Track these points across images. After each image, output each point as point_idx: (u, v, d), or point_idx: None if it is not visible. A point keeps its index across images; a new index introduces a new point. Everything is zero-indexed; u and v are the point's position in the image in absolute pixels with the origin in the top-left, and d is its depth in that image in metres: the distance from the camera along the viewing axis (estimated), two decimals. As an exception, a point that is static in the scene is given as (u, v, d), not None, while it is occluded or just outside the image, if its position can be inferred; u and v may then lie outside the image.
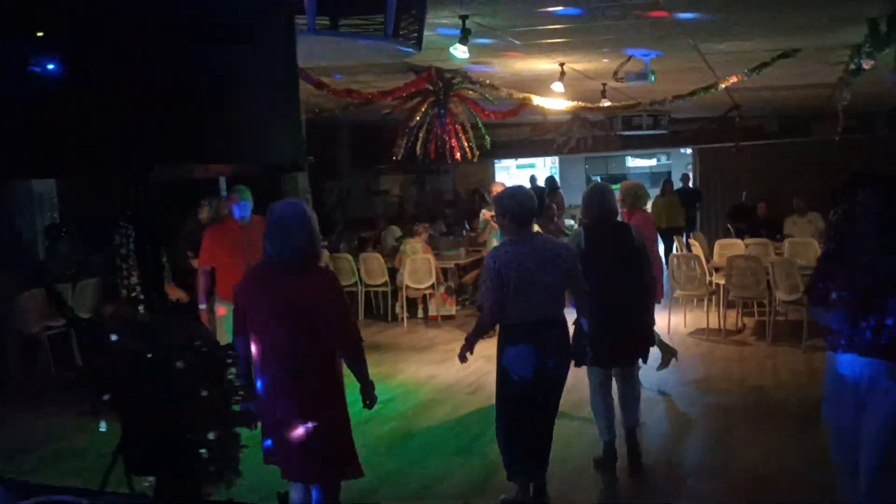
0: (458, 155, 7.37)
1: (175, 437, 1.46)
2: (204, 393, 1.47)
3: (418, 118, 7.23)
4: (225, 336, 5.56)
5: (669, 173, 25.54)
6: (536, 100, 7.36)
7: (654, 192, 21.26)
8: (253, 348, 3.17)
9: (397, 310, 9.79)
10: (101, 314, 8.26)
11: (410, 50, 4.12)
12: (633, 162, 26.13)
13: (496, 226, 6.96)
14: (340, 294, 3.26)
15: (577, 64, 7.01)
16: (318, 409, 3.11)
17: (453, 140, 7.34)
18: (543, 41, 6.09)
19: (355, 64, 6.38)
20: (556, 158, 21.33)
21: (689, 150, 20.75)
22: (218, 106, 1.44)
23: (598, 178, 26.71)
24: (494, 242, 7.10)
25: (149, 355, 1.48)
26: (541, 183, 15.16)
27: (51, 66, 1.33)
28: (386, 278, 9.81)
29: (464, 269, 10.50)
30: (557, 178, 21.18)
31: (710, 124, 12.96)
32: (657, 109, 11.47)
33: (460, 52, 5.03)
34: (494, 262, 3.65)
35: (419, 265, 9.52)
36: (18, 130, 1.40)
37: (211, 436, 1.48)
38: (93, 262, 9.19)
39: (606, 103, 8.24)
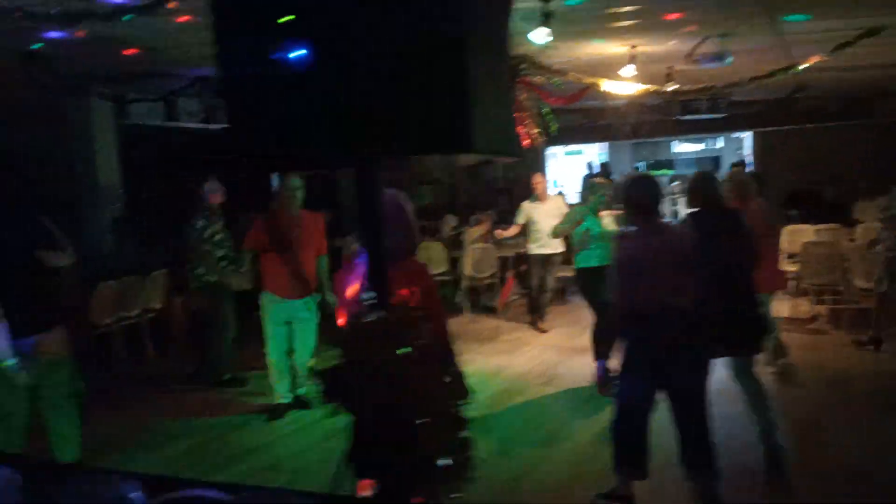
0: (526, 142, 7.27)
1: (406, 438, 1.43)
2: (432, 390, 1.43)
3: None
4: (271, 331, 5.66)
5: (718, 158, 25.10)
6: (605, 84, 7.22)
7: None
8: None
9: (458, 299, 9.74)
10: (172, 305, 8.40)
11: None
12: (680, 147, 25.66)
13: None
14: (428, 289, 3.19)
15: (648, 47, 6.85)
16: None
17: (521, 127, 7.24)
18: (616, 24, 5.97)
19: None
20: (606, 145, 21.06)
21: (742, 134, 20.38)
22: (456, 92, 1.39)
23: (645, 165, 26.37)
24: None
25: (379, 354, 1.44)
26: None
27: (293, 55, 1.30)
28: (447, 267, 9.76)
29: (524, 258, 10.39)
30: (606, 160, 20.95)
31: (769, 106, 12.62)
32: (718, 92, 11.20)
33: (541, 36, 4.91)
34: (622, 251, 3.62)
35: (481, 254, 9.46)
36: (261, 118, 1.38)
37: (444, 436, 1.45)
38: (159, 253, 9.35)
39: (673, 87, 8.05)
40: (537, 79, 7.28)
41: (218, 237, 6.55)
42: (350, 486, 1.61)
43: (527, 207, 8.01)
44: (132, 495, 2.30)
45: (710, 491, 3.56)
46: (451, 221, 11.66)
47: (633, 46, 6.85)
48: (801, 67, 6.48)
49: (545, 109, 7.52)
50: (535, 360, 7.21)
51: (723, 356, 4.18)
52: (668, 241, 3.59)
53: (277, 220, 5.65)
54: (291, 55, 1.30)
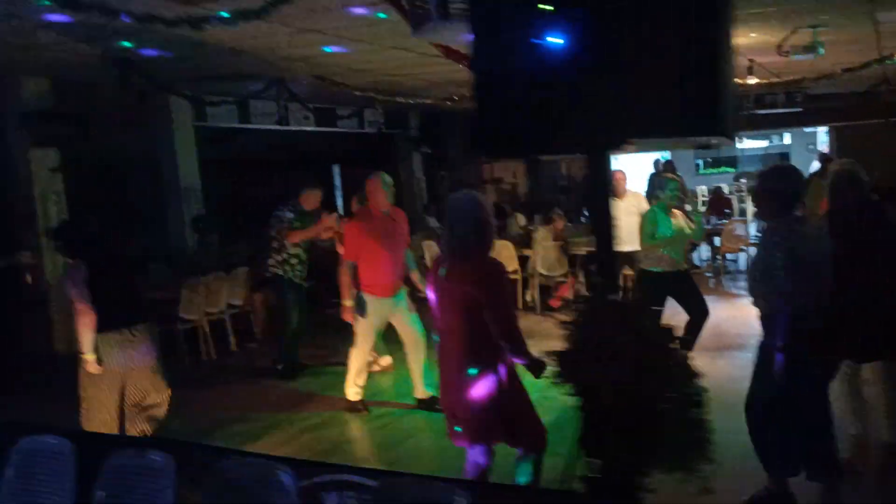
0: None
1: (648, 417, 1.44)
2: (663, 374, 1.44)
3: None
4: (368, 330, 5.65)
5: (786, 154, 24.43)
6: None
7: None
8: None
9: (527, 297, 9.72)
10: (252, 300, 8.61)
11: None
12: (745, 143, 25.09)
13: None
14: (498, 287, 3.30)
15: (750, 38, 6.72)
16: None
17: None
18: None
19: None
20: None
21: (815, 129, 19.80)
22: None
23: (707, 161, 25.80)
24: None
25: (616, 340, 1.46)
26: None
27: (555, 40, 1.33)
28: (517, 265, 9.73)
29: (592, 256, 10.30)
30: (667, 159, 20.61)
31: (848, 100, 12.23)
32: (796, 86, 10.93)
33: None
34: (780, 249, 3.33)
35: (551, 253, 9.42)
36: (519, 106, 1.42)
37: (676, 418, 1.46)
38: (240, 251, 9.59)
39: (753, 80, 7.87)
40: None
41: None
42: (582, 468, 1.62)
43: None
44: (283, 478, 2.39)
45: (835, 490, 3.47)
46: (520, 220, 11.63)
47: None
48: (897, 58, 6.28)
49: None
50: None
51: (866, 360, 4.03)
52: (811, 237, 3.42)
53: (371, 220, 5.63)
54: (549, 42, 1.33)
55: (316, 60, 7.54)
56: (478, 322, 3.23)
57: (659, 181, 6.48)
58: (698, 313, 5.97)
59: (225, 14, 3.70)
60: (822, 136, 21.00)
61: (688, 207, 7.96)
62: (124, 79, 7.12)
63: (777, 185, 3.46)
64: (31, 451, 2.91)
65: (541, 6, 1.35)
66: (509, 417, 3.34)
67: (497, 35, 1.43)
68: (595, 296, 1.55)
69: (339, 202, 17.03)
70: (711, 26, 1.38)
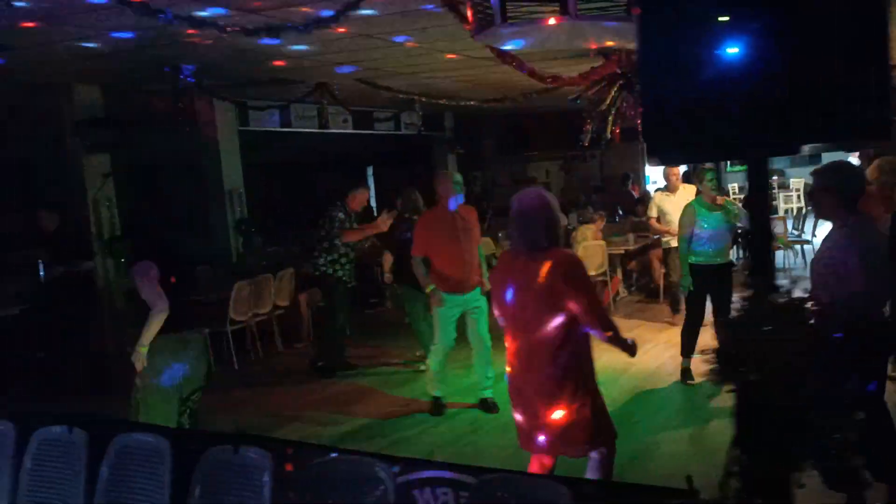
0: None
1: (809, 418, 1.50)
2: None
3: (608, 102, 7.15)
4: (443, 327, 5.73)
5: (817, 156, 24.10)
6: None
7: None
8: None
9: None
10: (298, 302, 8.75)
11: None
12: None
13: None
14: (583, 276, 3.30)
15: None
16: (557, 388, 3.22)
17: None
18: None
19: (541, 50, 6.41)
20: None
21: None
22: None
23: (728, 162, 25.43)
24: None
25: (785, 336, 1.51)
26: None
27: (728, 48, 1.40)
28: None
29: (630, 255, 10.34)
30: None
31: None
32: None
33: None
34: (859, 249, 3.27)
35: (592, 252, 9.44)
36: (688, 112, 1.49)
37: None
38: (285, 253, 9.75)
39: None
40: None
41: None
42: (740, 469, 1.67)
43: (658, 199, 7.99)
44: (381, 474, 2.47)
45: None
46: (562, 220, 11.65)
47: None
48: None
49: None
50: (659, 359, 7.15)
51: None
52: (880, 237, 3.39)
53: (440, 216, 5.70)
54: (722, 48, 1.40)
55: (362, 64, 7.66)
56: (564, 317, 3.21)
57: (696, 173, 6.42)
58: (724, 313, 5.95)
59: (300, 25, 3.81)
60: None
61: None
62: (176, 84, 7.30)
63: (839, 183, 3.38)
64: (126, 449, 3.03)
65: (715, 15, 1.41)
66: (596, 418, 3.31)
67: (666, 42, 1.49)
68: (755, 296, 1.59)
69: (374, 203, 17.27)
70: (882, 33, 1.43)
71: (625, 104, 7.21)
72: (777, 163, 24.17)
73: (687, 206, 6.25)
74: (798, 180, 18.57)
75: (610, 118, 7.35)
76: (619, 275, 9.93)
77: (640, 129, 7.31)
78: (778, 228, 11.17)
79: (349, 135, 12.50)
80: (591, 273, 9.47)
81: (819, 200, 3.49)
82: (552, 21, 3.91)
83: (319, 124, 11.60)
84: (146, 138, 8.65)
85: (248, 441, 2.71)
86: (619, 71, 7.11)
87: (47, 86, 7.87)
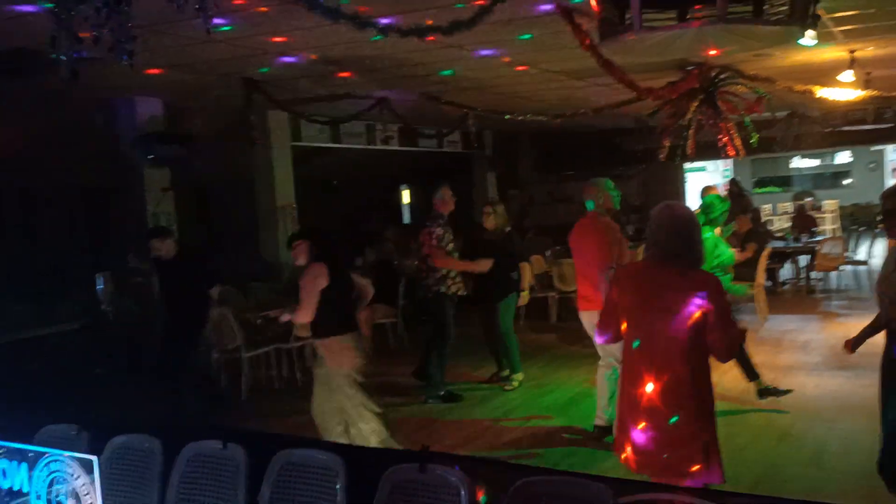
0: (731, 151, 7.12)
1: None
2: None
3: (689, 116, 7.04)
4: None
5: (846, 173, 24.03)
6: (821, 91, 6.98)
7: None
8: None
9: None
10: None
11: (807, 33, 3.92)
12: (799, 163, 24.81)
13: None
14: (723, 298, 3.11)
15: (870, 51, 6.62)
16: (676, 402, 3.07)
17: (726, 137, 7.10)
18: (841, 28, 5.77)
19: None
20: (731, 161, 20.51)
21: (883, 147, 19.47)
22: None
23: (755, 181, 25.32)
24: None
25: None
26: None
27: None
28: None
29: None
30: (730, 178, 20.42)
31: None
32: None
33: (809, 38, 4.77)
34: None
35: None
36: None
37: None
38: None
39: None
40: (739, 88, 7.12)
41: (451, 246, 6.60)
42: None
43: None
44: (601, 495, 2.29)
45: None
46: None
47: (852, 51, 6.63)
48: None
49: (746, 120, 7.35)
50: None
51: None
52: None
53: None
54: None
55: (430, 78, 7.56)
56: (699, 338, 3.09)
57: (704, 203, 5.86)
58: None
59: (444, 26, 3.70)
60: (889, 155, 20.70)
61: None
62: (248, 98, 7.20)
63: None
64: (290, 466, 2.85)
65: None
66: (713, 445, 3.15)
67: None
68: None
69: (406, 219, 17.20)
70: None
71: (704, 118, 7.10)
72: (801, 184, 24.17)
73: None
74: (832, 202, 18.46)
75: (690, 132, 7.23)
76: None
77: (720, 142, 7.26)
78: (835, 249, 11.00)
79: (391, 151, 12.44)
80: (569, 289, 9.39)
81: (891, 222, 3.56)
82: (695, 25, 3.81)
83: (367, 140, 11.56)
84: (203, 153, 8.55)
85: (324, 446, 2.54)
86: (698, 85, 7.01)
87: (107, 100, 7.78)
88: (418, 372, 7.03)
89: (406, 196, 17.77)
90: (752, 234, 9.98)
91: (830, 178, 24.75)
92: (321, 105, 8.98)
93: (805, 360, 7.31)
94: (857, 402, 5.92)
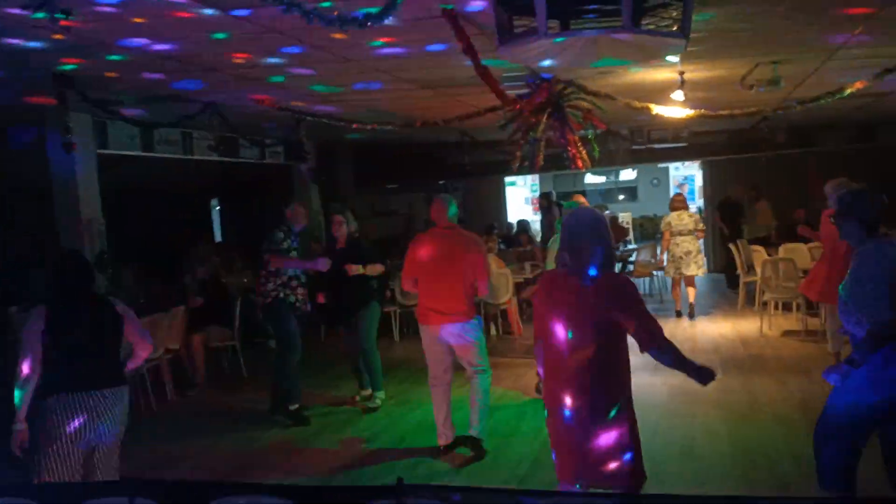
0: (580, 164, 7.35)
1: None
2: None
3: (541, 129, 7.17)
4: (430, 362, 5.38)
5: (633, 189, 26.40)
6: (657, 109, 7.42)
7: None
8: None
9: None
10: (190, 342, 7.77)
11: (676, 43, 4.02)
12: (590, 178, 26.92)
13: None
14: (637, 297, 3.20)
15: (697, 73, 7.14)
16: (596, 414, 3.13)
17: (573, 150, 7.32)
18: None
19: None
20: (537, 176, 21.65)
21: (665, 165, 21.52)
22: None
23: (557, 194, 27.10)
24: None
25: None
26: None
27: None
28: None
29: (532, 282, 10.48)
30: (538, 193, 21.57)
31: (721, 136, 13.45)
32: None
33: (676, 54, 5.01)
34: (883, 269, 3.40)
35: (497, 280, 9.39)
36: None
37: None
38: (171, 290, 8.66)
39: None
40: (583, 104, 7.38)
41: (293, 253, 6.36)
42: None
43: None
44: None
45: None
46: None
47: (682, 73, 7.12)
48: (847, 92, 6.95)
49: (590, 134, 7.64)
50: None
51: None
52: None
53: (428, 241, 5.39)
54: None
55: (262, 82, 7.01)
56: (612, 340, 3.15)
57: (565, 208, 6.78)
58: None
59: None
60: (671, 172, 22.94)
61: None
62: (62, 96, 6.23)
63: (860, 209, 3.55)
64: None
65: None
66: (634, 450, 3.21)
67: None
68: None
69: (219, 236, 16.09)
70: None
71: (552, 131, 7.26)
72: (593, 198, 26.14)
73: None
74: (627, 214, 20.06)
75: (540, 144, 7.36)
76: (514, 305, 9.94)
77: (569, 155, 7.47)
78: (648, 256, 11.87)
79: (202, 162, 11.56)
80: (498, 302, 9.42)
81: (841, 224, 3.65)
82: (616, 35, 3.79)
83: (184, 149, 10.62)
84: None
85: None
86: (545, 99, 7.16)
87: None
88: (273, 407, 6.47)
89: (218, 210, 16.66)
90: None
91: (618, 193, 27.17)
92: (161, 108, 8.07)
93: (646, 360, 7.70)
94: (704, 395, 6.32)
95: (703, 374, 3.22)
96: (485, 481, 4.82)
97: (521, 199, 22.01)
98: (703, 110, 7.21)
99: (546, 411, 3.34)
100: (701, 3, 4.43)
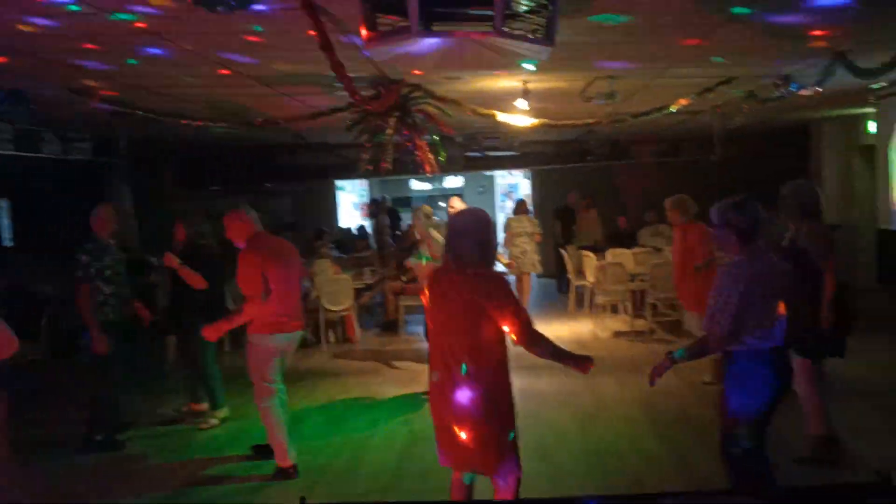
0: (428, 169, 7.30)
1: None
2: None
3: (390, 132, 7.04)
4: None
5: (461, 195, 26.99)
6: (501, 116, 7.53)
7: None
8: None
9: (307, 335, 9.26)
10: None
11: (543, 49, 4.05)
12: (417, 185, 27.25)
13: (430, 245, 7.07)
14: (509, 294, 3.30)
15: (540, 83, 7.34)
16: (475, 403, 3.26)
17: (421, 154, 7.27)
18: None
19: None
20: (366, 181, 21.53)
21: (496, 173, 22.22)
22: None
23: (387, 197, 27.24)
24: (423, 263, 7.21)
25: None
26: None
27: None
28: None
29: (364, 290, 10.28)
30: (367, 198, 21.47)
31: (549, 146, 14.11)
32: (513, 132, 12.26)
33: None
34: (738, 283, 3.39)
35: (336, 286, 9.13)
36: None
37: None
38: None
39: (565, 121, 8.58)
40: (430, 108, 7.35)
41: (108, 272, 5.67)
42: None
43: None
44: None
45: None
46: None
47: (525, 82, 7.29)
48: (673, 108, 7.46)
49: (436, 138, 7.62)
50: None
51: None
52: (775, 272, 3.55)
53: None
54: None
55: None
56: (490, 335, 3.27)
57: (418, 212, 7.31)
58: None
59: None
60: (497, 180, 23.72)
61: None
62: None
63: (734, 217, 3.51)
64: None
65: None
66: (507, 441, 3.37)
67: None
68: None
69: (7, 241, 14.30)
70: None
71: (400, 135, 7.16)
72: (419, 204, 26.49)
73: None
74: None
75: (388, 147, 7.22)
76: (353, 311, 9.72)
77: (417, 159, 7.40)
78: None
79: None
80: (338, 308, 9.15)
81: (718, 234, 3.63)
82: (487, 39, 3.72)
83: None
84: None
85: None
86: (396, 101, 7.05)
87: None
88: (88, 432, 5.77)
89: (6, 213, 14.84)
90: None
91: (439, 199, 27.75)
92: None
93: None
94: (551, 396, 6.52)
95: (581, 362, 3.36)
96: (344, 495, 4.60)
97: (348, 204, 21.78)
98: (546, 119, 7.44)
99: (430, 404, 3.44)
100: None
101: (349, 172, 14.41)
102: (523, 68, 5.31)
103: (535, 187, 15.08)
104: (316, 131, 11.26)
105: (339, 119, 7.65)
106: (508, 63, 4.86)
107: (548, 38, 4.04)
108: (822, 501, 2.21)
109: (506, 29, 3.83)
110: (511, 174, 20.93)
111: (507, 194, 21.96)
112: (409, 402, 6.63)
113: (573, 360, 3.37)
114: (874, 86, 8.56)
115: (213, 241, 6.46)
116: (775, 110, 9.29)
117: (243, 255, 4.87)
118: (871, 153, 10.93)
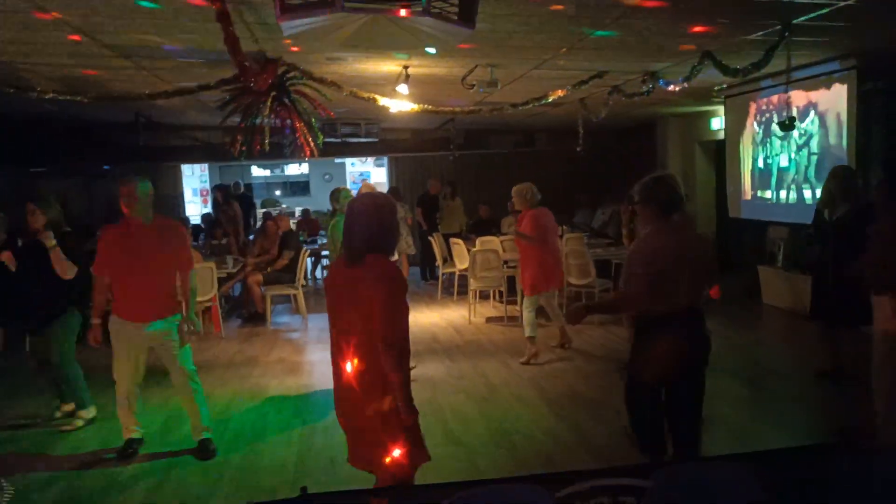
0: (308, 152, 7.03)
1: None
2: None
3: (267, 112, 6.70)
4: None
5: (307, 183, 26.39)
6: (383, 101, 7.39)
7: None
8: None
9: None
10: None
11: (465, 30, 4.02)
12: (257, 171, 26.30)
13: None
14: (390, 293, 3.01)
15: (421, 68, 7.31)
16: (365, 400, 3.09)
17: (301, 136, 6.99)
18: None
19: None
20: (206, 166, 20.45)
21: (343, 161, 21.88)
22: None
23: (240, 182, 26.13)
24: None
25: None
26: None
27: None
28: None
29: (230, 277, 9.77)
30: (208, 184, 20.40)
31: (407, 134, 14.13)
32: (372, 119, 12.22)
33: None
34: (646, 251, 3.66)
35: (201, 275, 8.57)
36: None
37: None
38: None
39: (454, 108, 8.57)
40: (307, 89, 7.09)
41: None
42: None
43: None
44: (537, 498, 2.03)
45: None
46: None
47: (406, 67, 7.22)
48: (550, 98, 7.69)
49: (314, 121, 7.36)
50: (322, 376, 7.01)
51: None
52: (689, 243, 3.76)
53: (125, 232, 4.78)
54: None
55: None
56: (358, 327, 3.07)
57: (336, 193, 6.86)
58: None
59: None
60: (348, 168, 23.37)
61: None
62: None
63: (655, 191, 3.75)
64: None
65: None
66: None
67: None
68: None
69: None
70: None
71: (276, 116, 6.84)
72: (260, 193, 25.64)
73: (338, 222, 6.19)
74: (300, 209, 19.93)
75: (266, 130, 6.87)
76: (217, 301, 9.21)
77: (298, 142, 7.10)
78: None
79: None
80: (202, 298, 8.62)
81: (640, 211, 3.85)
82: (403, 12, 3.60)
83: None
84: None
85: None
86: (273, 81, 6.73)
87: None
88: None
89: None
90: (287, 239, 10.11)
91: (287, 187, 27.00)
92: None
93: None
94: (442, 381, 6.54)
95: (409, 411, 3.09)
96: (252, 488, 4.35)
97: (188, 191, 20.59)
98: (427, 105, 7.41)
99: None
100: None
101: (198, 155, 13.61)
102: (424, 52, 5.24)
103: (391, 175, 15.03)
104: (165, 111, 10.51)
105: (193, 99, 7.16)
106: (416, 44, 4.76)
107: (468, 20, 4.01)
108: (792, 463, 2.37)
109: (434, 10, 3.78)
110: (363, 161, 20.71)
111: (363, 182, 21.64)
112: (295, 395, 6.38)
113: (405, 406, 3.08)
114: (717, 87, 9.37)
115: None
116: (631, 105, 9.88)
117: None
118: (713, 148, 12.00)
